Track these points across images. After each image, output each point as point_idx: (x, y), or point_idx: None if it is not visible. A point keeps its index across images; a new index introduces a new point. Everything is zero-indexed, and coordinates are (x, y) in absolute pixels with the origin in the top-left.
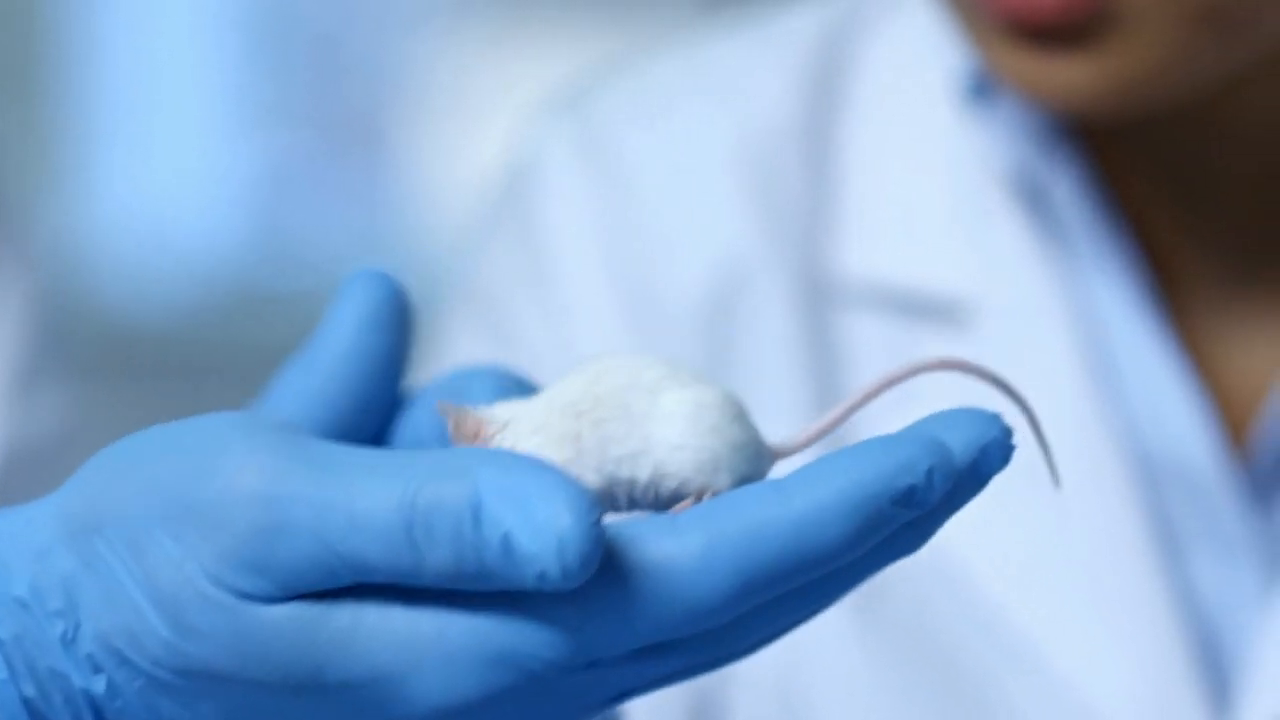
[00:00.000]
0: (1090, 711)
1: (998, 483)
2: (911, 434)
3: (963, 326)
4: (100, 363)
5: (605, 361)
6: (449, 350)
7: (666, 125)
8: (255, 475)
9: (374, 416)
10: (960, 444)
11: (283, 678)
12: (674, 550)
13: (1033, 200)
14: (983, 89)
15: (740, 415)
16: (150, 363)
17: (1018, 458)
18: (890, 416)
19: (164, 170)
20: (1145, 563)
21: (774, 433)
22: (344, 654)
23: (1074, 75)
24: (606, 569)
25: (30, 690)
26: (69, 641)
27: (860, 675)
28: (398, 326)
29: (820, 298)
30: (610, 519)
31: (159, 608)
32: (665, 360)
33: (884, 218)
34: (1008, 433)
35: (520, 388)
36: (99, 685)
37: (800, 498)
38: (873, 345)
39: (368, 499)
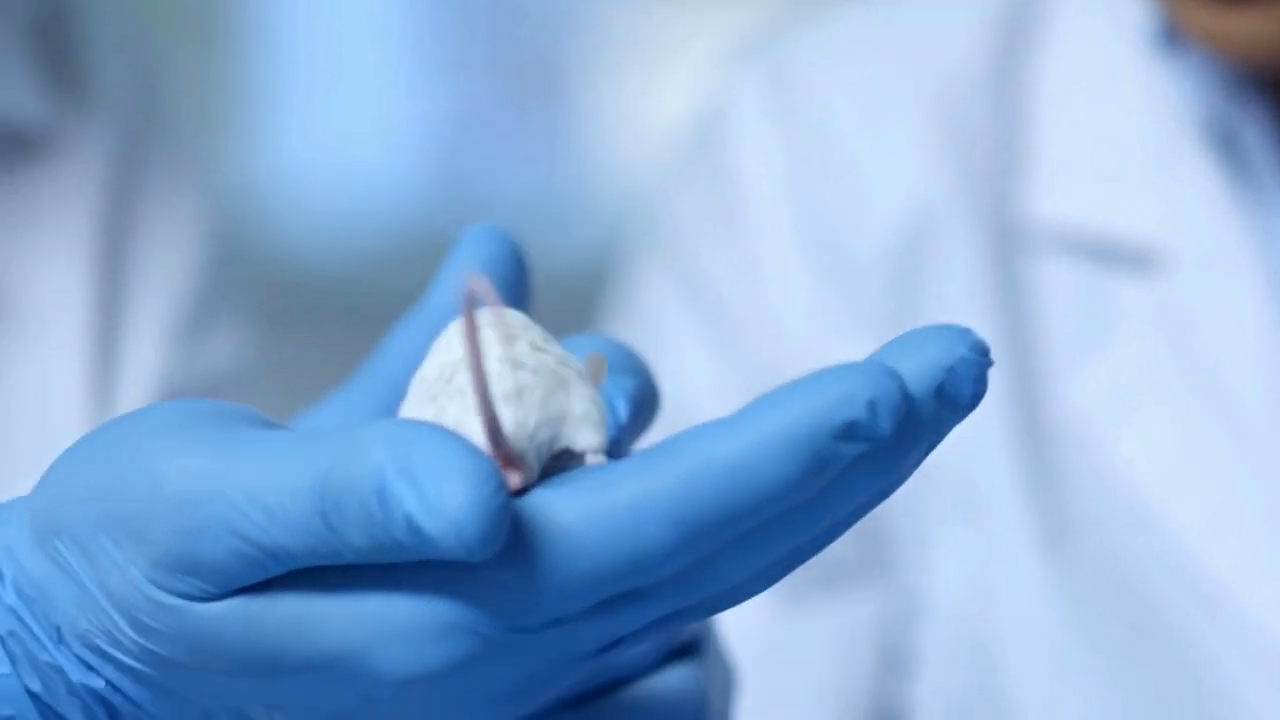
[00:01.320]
0: None
1: (1191, 425)
2: (861, 363)
3: (1154, 271)
4: (279, 307)
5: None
6: (640, 295)
7: (858, 73)
8: (177, 479)
9: None
10: (919, 369)
11: (242, 667)
12: (608, 502)
13: (1225, 146)
14: (1173, 36)
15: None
16: (328, 308)
17: (1212, 400)
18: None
19: (345, 117)
20: None
21: None
22: (296, 640)
23: (1255, 28)
24: (539, 527)
25: (35, 684)
26: (58, 640)
27: (1051, 618)
28: (512, 283)
29: (1010, 244)
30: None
31: (117, 609)
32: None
33: (1075, 162)
34: (978, 349)
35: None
36: (97, 682)
37: (736, 438)
38: (1063, 290)
39: (280, 490)
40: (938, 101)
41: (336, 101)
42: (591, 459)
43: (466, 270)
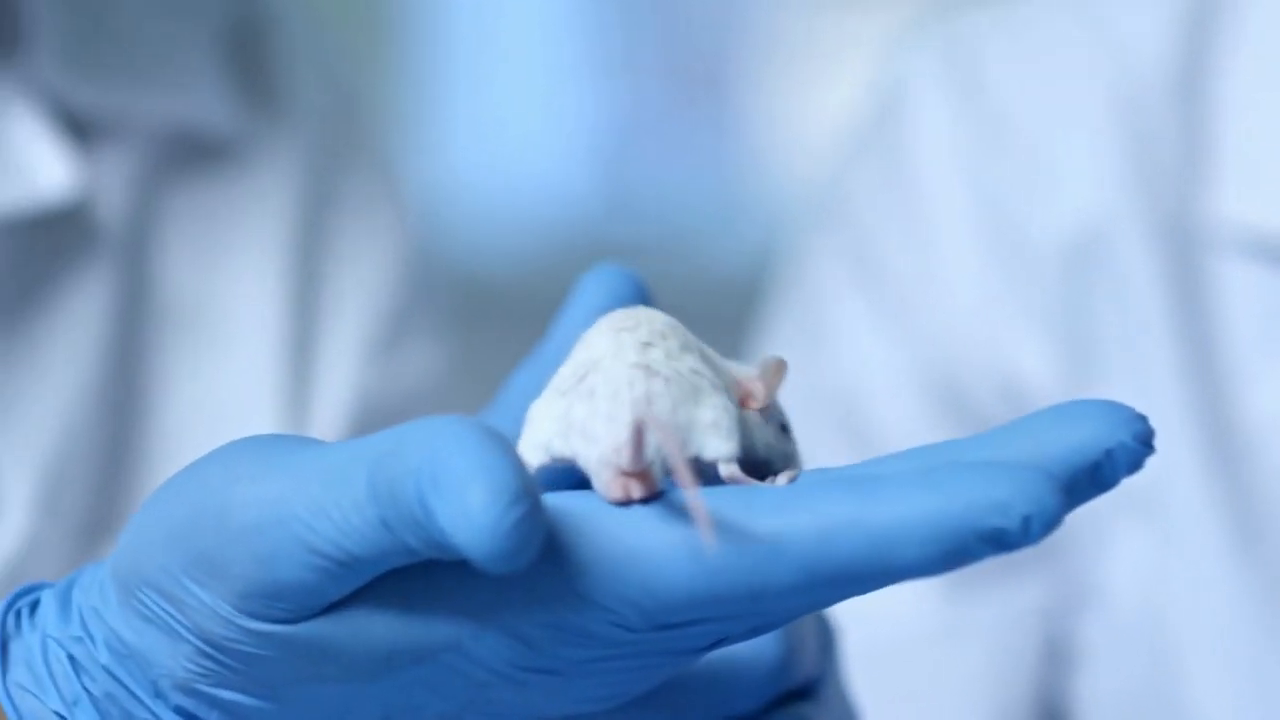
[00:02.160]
0: None
1: None
2: (1026, 468)
3: None
4: (454, 316)
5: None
6: (810, 273)
7: (1041, 61)
8: (244, 509)
9: None
10: (1077, 445)
11: (355, 672)
12: (744, 532)
13: None
14: None
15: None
16: (501, 315)
17: None
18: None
19: (511, 122)
20: None
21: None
22: (407, 633)
23: None
24: (678, 538)
25: None
26: (155, 695)
27: (1240, 620)
28: None
29: (1192, 247)
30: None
31: (215, 648)
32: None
33: (1264, 165)
34: (1142, 438)
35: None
36: None
37: (884, 508)
38: (1248, 293)
39: (342, 503)
40: (1122, 98)
41: (503, 106)
42: (724, 469)
43: (589, 310)
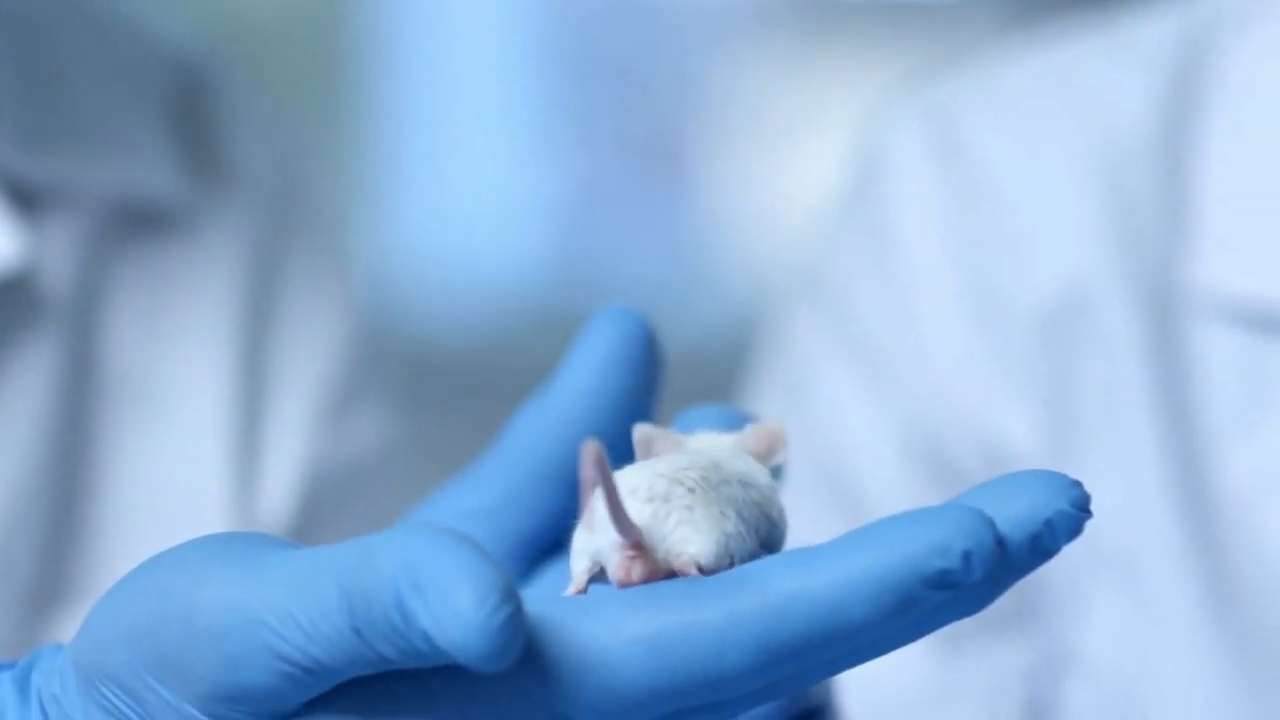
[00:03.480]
0: None
1: None
2: (956, 507)
3: None
4: (409, 386)
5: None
6: (793, 340)
7: (1021, 127)
8: (211, 611)
9: (615, 455)
10: (1016, 517)
11: None
12: (697, 620)
13: None
14: None
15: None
16: (456, 385)
17: None
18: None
19: (467, 193)
20: None
21: (1128, 441)
22: None
23: None
24: (631, 635)
25: None
26: None
27: (1214, 690)
28: (643, 364)
29: (1173, 312)
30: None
31: None
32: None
33: (1246, 230)
34: (1079, 504)
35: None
36: None
37: (827, 573)
38: (1226, 359)
39: (311, 609)
40: (1103, 162)
41: (458, 177)
42: (679, 564)
43: (596, 350)
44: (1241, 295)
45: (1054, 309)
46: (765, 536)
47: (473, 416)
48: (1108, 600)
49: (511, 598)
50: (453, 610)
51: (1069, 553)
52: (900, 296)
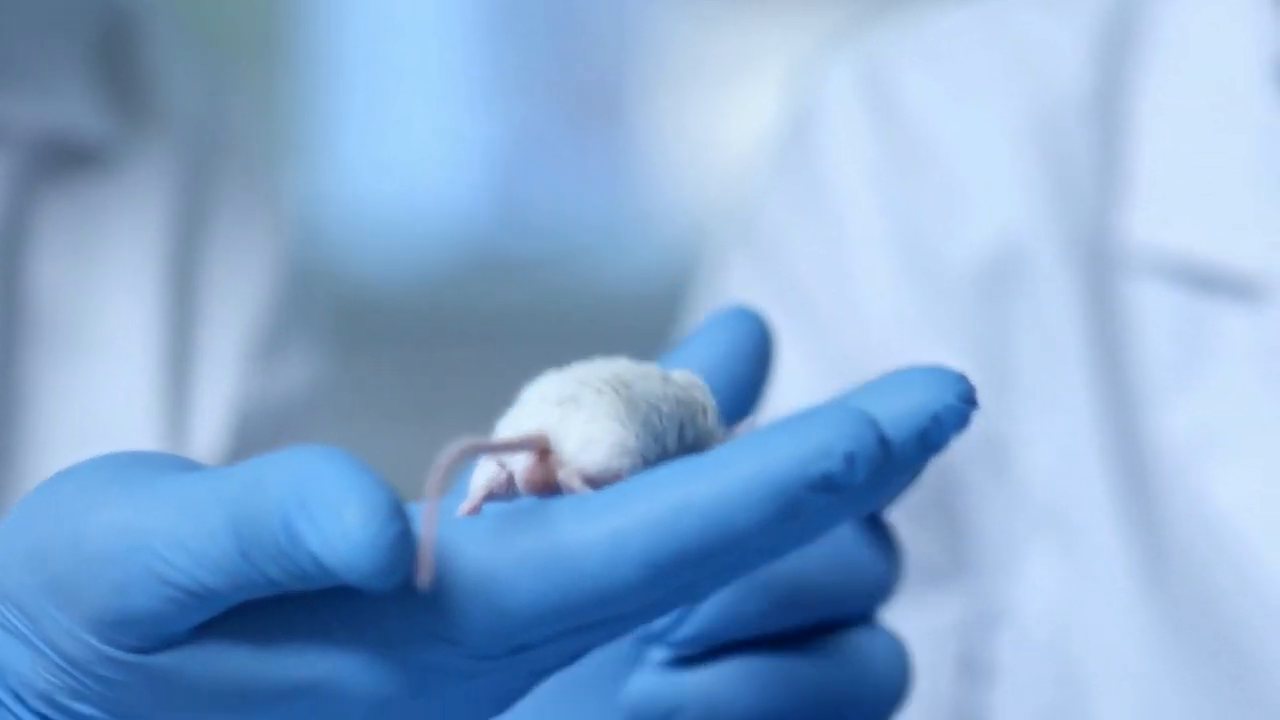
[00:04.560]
0: None
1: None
2: (838, 407)
3: (1259, 302)
4: (340, 328)
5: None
6: (725, 290)
7: (958, 77)
8: (99, 536)
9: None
10: (903, 414)
11: (211, 704)
12: (583, 537)
13: None
14: None
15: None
16: (390, 329)
17: None
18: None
19: (405, 139)
20: None
21: (1064, 400)
22: (263, 673)
23: None
24: (518, 555)
25: None
26: (17, 700)
27: (1144, 647)
28: (758, 359)
29: (1106, 268)
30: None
31: (74, 666)
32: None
33: (1179, 187)
34: (965, 397)
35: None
36: None
37: (710, 482)
38: (1160, 316)
39: (199, 533)
40: (1038, 114)
41: (396, 124)
42: (565, 476)
43: (720, 340)
44: (1176, 252)
45: (988, 264)
46: (691, 440)
47: (408, 358)
48: (1041, 556)
49: (398, 516)
50: (340, 528)
51: (1004, 505)
52: (832, 249)
